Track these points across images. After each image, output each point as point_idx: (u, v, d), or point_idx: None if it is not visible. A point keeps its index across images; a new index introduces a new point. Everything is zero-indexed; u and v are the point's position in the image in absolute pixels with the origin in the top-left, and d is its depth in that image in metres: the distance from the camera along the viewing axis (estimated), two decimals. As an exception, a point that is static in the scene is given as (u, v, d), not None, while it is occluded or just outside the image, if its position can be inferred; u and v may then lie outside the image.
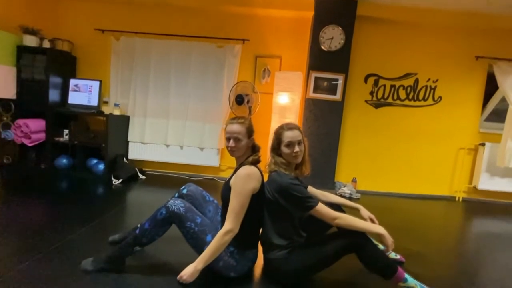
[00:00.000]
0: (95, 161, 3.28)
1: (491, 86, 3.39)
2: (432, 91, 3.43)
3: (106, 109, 3.34)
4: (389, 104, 3.46)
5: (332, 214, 1.33)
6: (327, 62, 3.20)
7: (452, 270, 1.77)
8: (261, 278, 1.50)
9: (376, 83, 3.43)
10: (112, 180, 3.04)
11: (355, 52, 3.27)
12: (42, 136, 3.24)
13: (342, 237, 1.35)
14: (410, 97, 3.44)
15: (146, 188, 3.02)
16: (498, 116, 3.49)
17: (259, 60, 3.48)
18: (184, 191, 1.64)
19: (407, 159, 3.51)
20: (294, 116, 3.22)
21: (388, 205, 3.12)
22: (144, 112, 3.52)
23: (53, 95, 3.27)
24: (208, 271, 1.35)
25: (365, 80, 3.44)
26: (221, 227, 1.33)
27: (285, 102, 3.22)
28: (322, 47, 3.17)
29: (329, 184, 3.35)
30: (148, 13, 3.48)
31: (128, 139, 3.55)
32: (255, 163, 1.44)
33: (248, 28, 3.43)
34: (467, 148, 3.49)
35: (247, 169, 1.37)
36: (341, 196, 3.25)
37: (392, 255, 1.75)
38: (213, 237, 1.32)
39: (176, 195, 1.66)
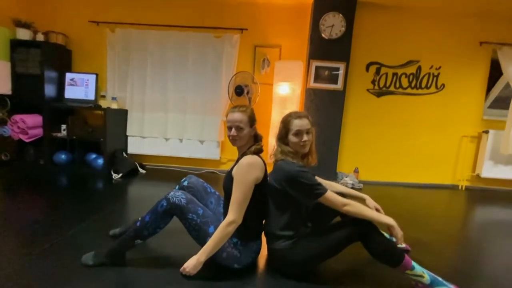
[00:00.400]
0: (94, 156, 3.24)
1: (495, 73, 3.33)
2: (435, 78, 3.37)
3: (103, 103, 3.29)
4: (391, 93, 3.40)
5: (342, 200, 1.31)
6: (327, 51, 3.13)
7: (456, 258, 1.76)
8: (265, 269, 1.47)
9: (378, 71, 3.37)
10: (112, 175, 3.01)
11: (356, 40, 3.19)
12: (39, 131, 3.20)
13: (347, 225, 1.33)
14: (413, 85, 3.39)
15: (147, 182, 2.98)
16: (502, 103, 3.44)
17: (258, 50, 3.40)
18: (185, 183, 1.61)
19: (410, 148, 3.47)
20: (295, 107, 3.16)
21: (391, 195, 3.10)
22: (143, 106, 3.46)
23: (49, 90, 3.21)
24: (211, 263, 1.33)
25: (367, 69, 3.37)
26: (224, 219, 1.29)
27: (285, 92, 3.16)
28: (323, 35, 3.10)
29: (331, 175, 3.32)
30: (143, 3, 3.39)
31: (127, 133, 3.51)
32: (258, 152, 1.40)
33: (246, 17, 3.35)
34: (470, 136, 3.45)
35: (249, 159, 1.33)
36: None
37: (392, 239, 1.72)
38: (215, 228, 1.29)
39: (177, 187, 1.62)
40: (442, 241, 1.96)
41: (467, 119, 3.42)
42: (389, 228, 1.30)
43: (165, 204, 1.32)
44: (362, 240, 1.29)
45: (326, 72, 3.17)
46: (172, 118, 3.47)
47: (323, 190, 1.31)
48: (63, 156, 3.24)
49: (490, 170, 3.36)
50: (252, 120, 1.41)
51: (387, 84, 3.39)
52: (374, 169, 3.49)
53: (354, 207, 1.30)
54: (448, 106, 3.39)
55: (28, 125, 3.04)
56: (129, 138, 3.53)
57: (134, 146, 3.53)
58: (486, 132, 3.34)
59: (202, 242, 1.31)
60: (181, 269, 1.30)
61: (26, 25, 3.11)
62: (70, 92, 3.29)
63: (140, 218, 1.38)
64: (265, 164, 1.40)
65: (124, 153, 3.35)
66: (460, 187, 3.49)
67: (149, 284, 1.27)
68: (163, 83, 3.43)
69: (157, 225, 1.35)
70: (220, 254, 1.31)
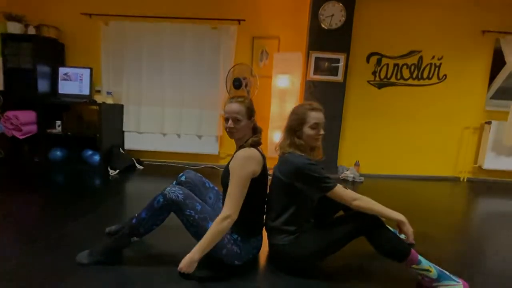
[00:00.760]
0: (90, 152, 3.17)
1: (498, 62, 3.26)
2: (436, 69, 3.30)
3: (98, 98, 3.21)
4: (393, 84, 3.34)
5: (353, 195, 1.26)
6: (327, 41, 3.06)
7: (459, 250, 1.73)
8: (267, 265, 1.43)
9: (378, 62, 3.30)
10: (108, 171, 2.95)
11: (356, 30, 3.11)
12: (33, 128, 3.12)
13: (351, 220, 1.28)
14: (414, 76, 3.32)
15: (144, 178, 2.93)
16: (504, 93, 3.39)
17: (256, 42, 3.32)
18: (183, 178, 1.55)
19: (411, 140, 3.42)
20: (294, 99, 3.10)
21: (393, 187, 3.06)
22: (139, 100, 3.39)
23: (42, 85, 3.13)
24: (211, 260, 1.28)
25: (367, 60, 3.30)
26: (222, 214, 1.24)
27: (285, 85, 3.09)
28: (322, 25, 3.02)
29: (332, 168, 3.28)
30: (137, -6, 3.30)
31: (124, 129, 3.44)
32: (256, 145, 1.34)
33: (244, 7, 3.25)
34: (472, 127, 3.40)
35: (246, 152, 1.28)
36: (344, 180, 3.20)
37: (402, 236, 1.68)
38: (215, 224, 1.24)
39: (174, 182, 1.57)
40: (444, 233, 1.94)
41: (469, 110, 3.37)
42: (399, 224, 1.25)
43: (161, 200, 1.26)
44: (366, 235, 1.25)
45: (326, 64, 3.10)
46: (169, 113, 3.40)
47: (332, 183, 1.26)
48: (58, 153, 3.17)
49: (492, 162, 3.32)
50: (250, 112, 1.35)
51: (388, 75, 3.32)
52: (375, 162, 3.45)
53: (364, 201, 1.25)
54: (450, 97, 3.33)
55: (21, 122, 2.97)
56: (125, 134, 3.46)
57: (131, 142, 3.46)
58: (489, 123, 3.29)
59: (200, 238, 1.25)
60: (178, 268, 1.25)
61: (17, 18, 3.03)
62: (64, 87, 3.21)
63: (136, 215, 1.32)
64: (263, 157, 1.34)
65: (121, 149, 3.29)
66: (462, 179, 3.45)
67: (145, 283, 1.22)
68: (159, 77, 3.35)
69: (153, 222, 1.30)
70: (220, 251, 1.27)
